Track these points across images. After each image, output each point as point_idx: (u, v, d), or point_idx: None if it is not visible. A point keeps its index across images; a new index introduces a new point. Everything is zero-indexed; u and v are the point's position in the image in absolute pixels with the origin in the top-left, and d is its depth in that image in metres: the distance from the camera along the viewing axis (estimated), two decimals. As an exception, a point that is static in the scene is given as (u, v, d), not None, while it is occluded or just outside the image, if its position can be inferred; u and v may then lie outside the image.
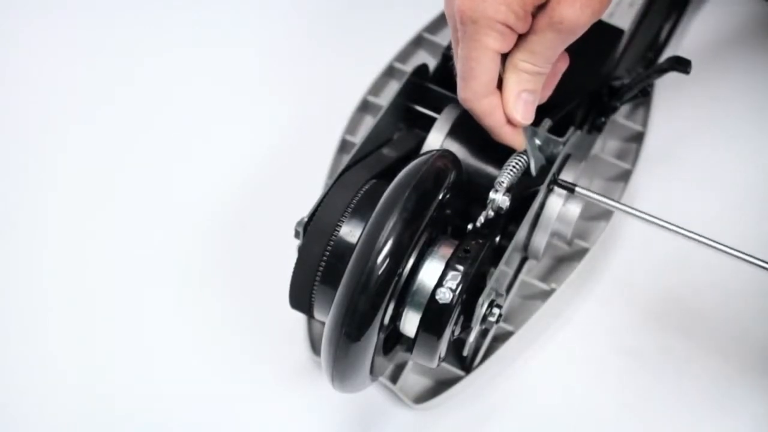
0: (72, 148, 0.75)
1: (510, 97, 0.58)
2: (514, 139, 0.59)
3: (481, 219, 0.57)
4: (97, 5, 0.81)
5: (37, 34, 0.80)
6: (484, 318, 0.57)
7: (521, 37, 0.57)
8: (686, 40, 0.79)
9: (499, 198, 0.57)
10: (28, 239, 0.71)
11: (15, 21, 0.80)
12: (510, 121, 0.59)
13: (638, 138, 0.74)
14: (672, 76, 0.66)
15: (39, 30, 0.80)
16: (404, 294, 0.54)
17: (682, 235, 0.61)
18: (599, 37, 0.71)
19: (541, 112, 0.66)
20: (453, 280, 0.54)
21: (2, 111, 0.76)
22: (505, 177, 0.58)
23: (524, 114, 0.59)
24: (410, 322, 0.55)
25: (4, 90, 0.77)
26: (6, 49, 0.79)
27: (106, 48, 0.79)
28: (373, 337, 0.53)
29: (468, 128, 0.65)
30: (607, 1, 0.55)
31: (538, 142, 0.62)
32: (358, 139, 0.71)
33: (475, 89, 0.57)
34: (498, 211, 0.58)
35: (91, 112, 0.76)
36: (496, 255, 0.59)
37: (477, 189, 0.60)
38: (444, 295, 0.54)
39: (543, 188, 0.63)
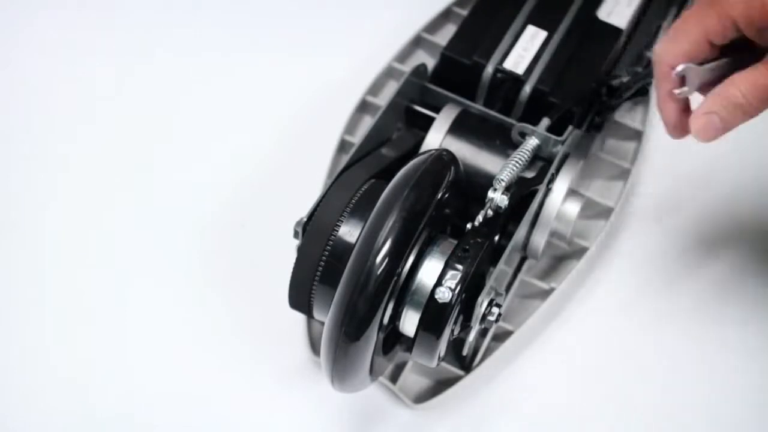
0: (72, 149, 0.75)
1: (697, 115, 0.56)
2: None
3: (480, 218, 0.57)
4: (97, 5, 0.81)
5: (38, 35, 0.80)
6: (484, 317, 0.57)
7: (754, 54, 0.55)
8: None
9: (498, 197, 0.57)
10: (26, 239, 0.71)
11: (15, 20, 0.80)
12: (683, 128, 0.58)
13: (637, 137, 0.74)
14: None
15: (39, 31, 0.80)
16: (403, 293, 0.54)
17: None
18: (598, 37, 0.71)
19: (540, 111, 0.66)
20: (452, 279, 0.54)
21: (6, 111, 0.76)
22: (504, 176, 0.58)
23: (703, 131, 0.56)
24: (410, 322, 0.55)
25: (8, 90, 0.77)
26: (9, 48, 0.79)
27: (106, 49, 0.80)
28: (372, 337, 0.53)
29: (467, 128, 0.65)
30: None
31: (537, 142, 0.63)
32: (357, 139, 0.71)
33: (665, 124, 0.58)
34: (497, 210, 0.58)
35: (91, 113, 0.76)
36: (495, 254, 0.59)
37: (476, 188, 0.60)
38: (443, 295, 0.54)
39: (542, 187, 0.63)
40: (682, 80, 0.56)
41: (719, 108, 0.55)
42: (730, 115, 0.55)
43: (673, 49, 0.56)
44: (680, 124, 0.58)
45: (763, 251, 0.71)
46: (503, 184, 0.58)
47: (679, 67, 0.56)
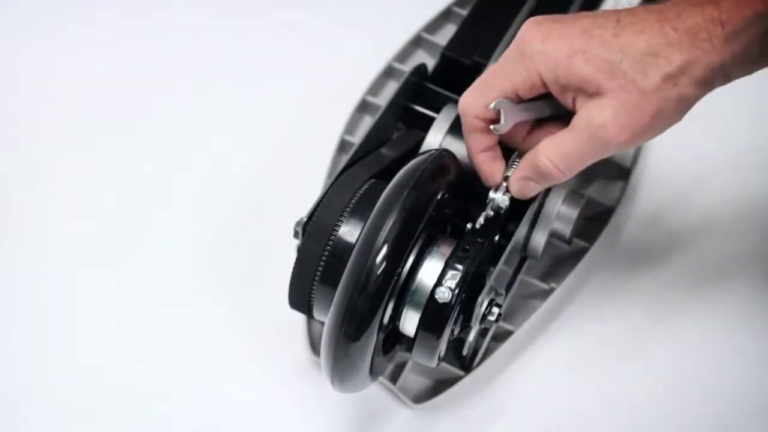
0: (73, 149, 0.75)
1: (514, 179, 0.57)
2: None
3: (481, 219, 0.57)
4: (97, 7, 0.81)
5: (40, 36, 0.80)
6: (484, 317, 0.57)
7: (558, 124, 0.56)
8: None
9: (499, 197, 0.57)
10: (26, 240, 0.71)
11: (16, 21, 0.80)
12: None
13: (637, 137, 0.74)
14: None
15: (41, 32, 0.80)
16: (403, 293, 0.54)
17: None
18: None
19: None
20: (452, 279, 0.54)
21: (12, 110, 0.77)
22: (506, 175, 0.58)
23: (520, 193, 0.57)
24: (410, 322, 0.55)
25: (13, 90, 0.77)
26: (10, 49, 0.79)
27: (107, 49, 0.79)
28: (372, 337, 0.53)
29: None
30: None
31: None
32: (357, 139, 0.71)
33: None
34: (498, 210, 0.58)
35: (93, 113, 0.76)
36: (495, 254, 0.59)
37: (476, 188, 0.60)
38: (443, 294, 0.54)
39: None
40: (497, 115, 0.55)
41: (532, 174, 0.56)
42: (543, 180, 0.56)
43: (480, 100, 0.55)
44: (496, 173, 0.57)
45: (764, 249, 0.71)
46: (504, 184, 0.57)
47: (493, 103, 0.55)
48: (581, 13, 0.55)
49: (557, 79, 0.53)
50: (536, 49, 0.53)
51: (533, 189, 0.57)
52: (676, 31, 0.51)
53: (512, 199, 0.58)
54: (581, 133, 0.53)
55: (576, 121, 0.53)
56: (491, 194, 0.58)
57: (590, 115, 0.53)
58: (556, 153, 0.54)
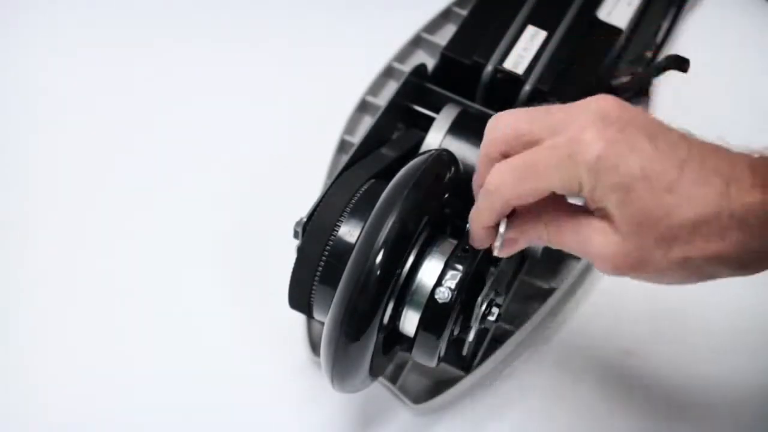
0: (72, 150, 0.75)
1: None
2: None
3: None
4: (97, 7, 0.81)
5: (40, 35, 0.80)
6: (484, 317, 0.57)
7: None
8: (684, 39, 0.79)
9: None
10: (25, 242, 0.71)
11: (15, 21, 0.81)
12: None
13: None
14: (671, 75, 0.66)
15: (42, 30, 0.80)
16: (403, 293, 0.54)
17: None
18: (598, 36, 0.71)
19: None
20: (452, 279, 0.54)
21: (11, 112, 0.77)
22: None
23: (500, 251, 0.53)
24: (410, 322, 0.55)
25: (11, 92, 0.78)
26: (10, 49, 0.79)
27: (107, 50, 0.79)
28: (372, 337, 0.53)
29: (467, 128, 0.65)
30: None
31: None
32: (356, 139, 0.71)
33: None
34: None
35: (93, 114, 0.76)
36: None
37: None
38: (443, 295, 0.54)
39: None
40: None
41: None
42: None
43: (520, 189, 0.49)
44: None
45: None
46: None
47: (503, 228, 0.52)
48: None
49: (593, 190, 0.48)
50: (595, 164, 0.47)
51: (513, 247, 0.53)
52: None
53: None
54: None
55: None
56: None
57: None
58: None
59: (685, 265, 0.48)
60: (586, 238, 0.49)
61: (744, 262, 0.48)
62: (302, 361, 0.66)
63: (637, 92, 0.68)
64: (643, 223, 0.47)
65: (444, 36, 0.76)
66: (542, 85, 0.67)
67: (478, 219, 0.52)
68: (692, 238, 0.47)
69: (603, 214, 0.49)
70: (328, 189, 0.59)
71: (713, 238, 0.47)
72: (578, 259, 0.68)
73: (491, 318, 0.57)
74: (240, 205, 0.72)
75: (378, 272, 0.52)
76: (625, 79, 0.68)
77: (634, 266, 0.48)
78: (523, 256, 0.66)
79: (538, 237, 0.52)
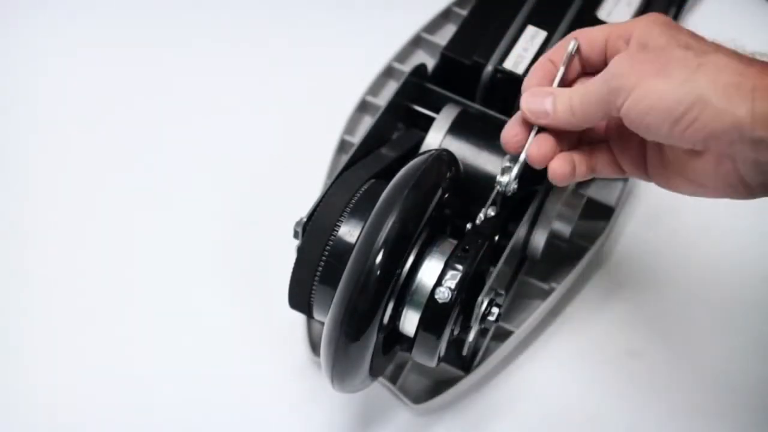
0: (73, 150, 0.75)
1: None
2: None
3: (482, 215, 0.57)
4: (98, 8, 0.81)
5: (40, 35, 0.80)
6: (484, 317, 0.57)
7: None
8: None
9: (506, 180, 0.55)
10: (26, 243, 0.71)
11: (16, 21, 0.81)
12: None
13: (637, 137, 0.74)
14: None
15: (42, 30, 0.80)
16: (403, 293, 0.54)
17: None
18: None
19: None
20: (452, 279, 0.54)
21: (17, 110, 0.77)
22: (511, 160, 0.56)
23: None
24: (410, 322, 0.55)
25: (19, 91, 0.78)
26: (12, 50, 0.79)
27: (107, 50, 0.80)
28: (372, 337, 0.53)
29: (467, 128, 0.65)
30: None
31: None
32: (356, 139, 0.71)
33: None
34: (505, 194, 0.56)
35: (93, 115, 0.76)
36: (495, 254, 0.59)
37: (476, 188, 0.60)
38: (443, 294, 0.54)
39: (542, 187, 0.63)
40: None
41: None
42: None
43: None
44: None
45: (763, 247, 0.71)
46: (510, 164, 0.55)
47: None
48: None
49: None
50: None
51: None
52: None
53: (512, 199, 0.58)
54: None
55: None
56: (499, 177, 0.55)
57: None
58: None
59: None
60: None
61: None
62: (302, 361, 0.66)
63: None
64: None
65: (444, 36, 0.76)
66: (542, 85, 0.67)
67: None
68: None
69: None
70: (328, 189, 0.59)
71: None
72: (578, 259, 0.68)
73: (491, 318, 0.57)
74: (240, 205, 0.72)
75: (378, 272, 0.52)
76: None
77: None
78: (523, 256, 0.66)
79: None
